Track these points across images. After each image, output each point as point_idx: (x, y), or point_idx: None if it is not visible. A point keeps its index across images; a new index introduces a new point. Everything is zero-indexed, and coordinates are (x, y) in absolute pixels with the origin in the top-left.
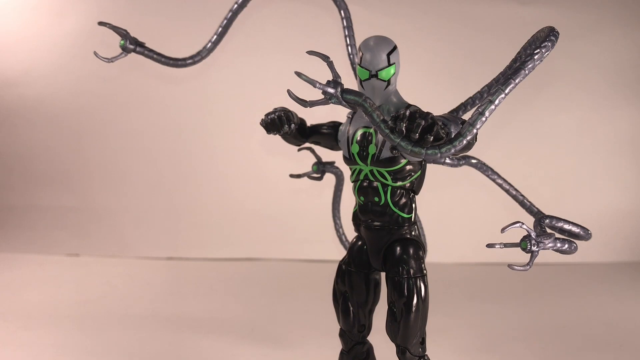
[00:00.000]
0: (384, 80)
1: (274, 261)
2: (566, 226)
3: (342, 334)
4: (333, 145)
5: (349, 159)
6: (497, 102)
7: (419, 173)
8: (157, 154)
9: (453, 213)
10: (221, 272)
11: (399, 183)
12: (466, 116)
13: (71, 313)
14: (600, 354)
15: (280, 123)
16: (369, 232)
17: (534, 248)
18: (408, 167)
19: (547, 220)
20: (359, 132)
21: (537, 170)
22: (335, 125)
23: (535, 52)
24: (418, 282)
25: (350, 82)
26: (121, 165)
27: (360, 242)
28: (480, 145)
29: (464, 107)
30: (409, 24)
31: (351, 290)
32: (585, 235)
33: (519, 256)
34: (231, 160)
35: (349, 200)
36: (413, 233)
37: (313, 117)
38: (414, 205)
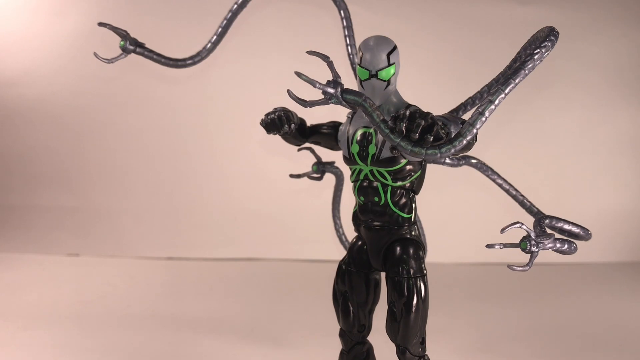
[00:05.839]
0: (384, 80)
1: (274, 261)
2: (566, 226)
3: (342, 334)
4: (333, 145)
5: (349, 159)
6: (497, 102)
7: (419, 173)
8: (157, 154)
9: (453, 213)
10: (221, 272)
11: (399, 183)
12: (466, 116)
13: (71, 313)
14: (600, 354)
15: (280, 123)
16: (369, 232)
17: (534, 248)
18: (408, 167)
19: (547, 221)
20: (359, 132)
21: (537, 170)
22: (335, 125)
23: (535, 52)
24: (418, 282)
25: (350, 82)
26: (121, 165)
27: (360, 242)
28: (480, 145)
29: (464, 107)
30: (409, 24)
31: (351, 290)
32: (585, 235)
33: (519, 256)
34: (231, 160)
35: (349, 200)
36: (413, 233)
37: (313, 117)
38: (414, 205)
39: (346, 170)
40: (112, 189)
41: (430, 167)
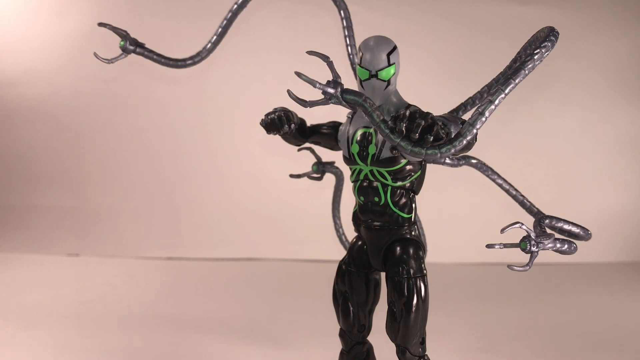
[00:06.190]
0: (384, 80)
1: (274, 261)
2: (566, 226)
3: (342, 334)
4: (333, 146)
5: (349, 159)
6: (497, 102)
7: (419, 173)
8: (157, 154)
9: (453, 213)
10: (221, 272)
11: (399, 183)
12: (466, 116)
13: (71, 313)
14: (600, 354)
15: (280, 123)
16: (369, 232)
17: (534, 248)
18: (408, 167)
19: (547, 221)
20: (359, 132)
21: (537, 170)
22: (335, 125)
23: (535, 52)
24: (418, 282)
25: (350, 82)
26: (121, 165)
27: (360, 242)
28: (480, 145)
29: (464, 107)
30: (409, 24)
31: (351, 290)
32: (585, 235)
33: (519, 256)
34: (231, 160)
35: (349, 200)
36: (413, 233)
37: (313, 117)
38: (414, 205)
39: (346, 170)
40: (112, 189)
41: (430, 167)
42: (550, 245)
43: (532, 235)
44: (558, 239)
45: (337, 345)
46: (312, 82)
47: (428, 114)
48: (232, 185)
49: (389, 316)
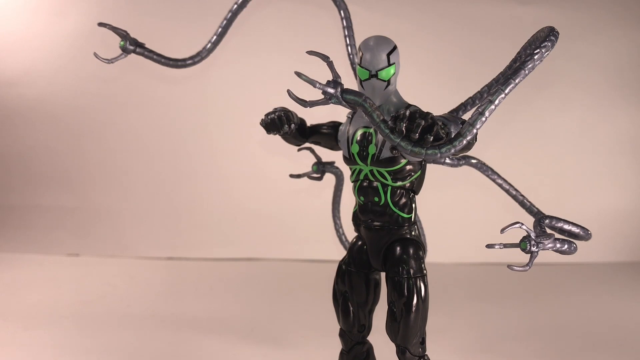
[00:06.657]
0: (384, 80)
1: (274, 261)
2: (566, 226)
3: (342, 334)
4: (333, 146)
5: (349, 159)
6: (497, 102)
7: (419, 173)
8: (157, 154)
9: (453, 213)
10: (221, 272)
11: (399, 183)
12: (466, 116)
13: (71, 313)
14: (600, 354)
15: (280, 123)
16: (369, 232)
17: (534, 249)
18: (408, 167)
19: (547, 221)
20: (359, 132)
21: (537, 170)
22: (335, 125)
23: (535, 52)
24: (418, 282)
25: (350, 82)
26: (121, 165)
27: (360, 242)
28: (480, 145)
29: (464, 107)
30: (409, 24)
31: (351, 290)
32: (585, 235)
33: (519, 256)
34: (231, 160)
35: (349, 200)
36: (413, 233)
37: (313, 117)
38: (414, 205)
39: (346, 170)
40: (112, 189)
41: (430, 167)
42: (550, 245)
43: (532, 235)
44: (558, 239)
45: (337, 345)
46: (312, 82)
47: (428, 114)
48: (232, 185)
49: (389, 316)
